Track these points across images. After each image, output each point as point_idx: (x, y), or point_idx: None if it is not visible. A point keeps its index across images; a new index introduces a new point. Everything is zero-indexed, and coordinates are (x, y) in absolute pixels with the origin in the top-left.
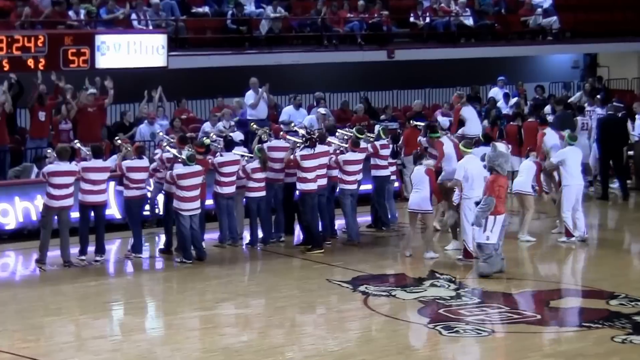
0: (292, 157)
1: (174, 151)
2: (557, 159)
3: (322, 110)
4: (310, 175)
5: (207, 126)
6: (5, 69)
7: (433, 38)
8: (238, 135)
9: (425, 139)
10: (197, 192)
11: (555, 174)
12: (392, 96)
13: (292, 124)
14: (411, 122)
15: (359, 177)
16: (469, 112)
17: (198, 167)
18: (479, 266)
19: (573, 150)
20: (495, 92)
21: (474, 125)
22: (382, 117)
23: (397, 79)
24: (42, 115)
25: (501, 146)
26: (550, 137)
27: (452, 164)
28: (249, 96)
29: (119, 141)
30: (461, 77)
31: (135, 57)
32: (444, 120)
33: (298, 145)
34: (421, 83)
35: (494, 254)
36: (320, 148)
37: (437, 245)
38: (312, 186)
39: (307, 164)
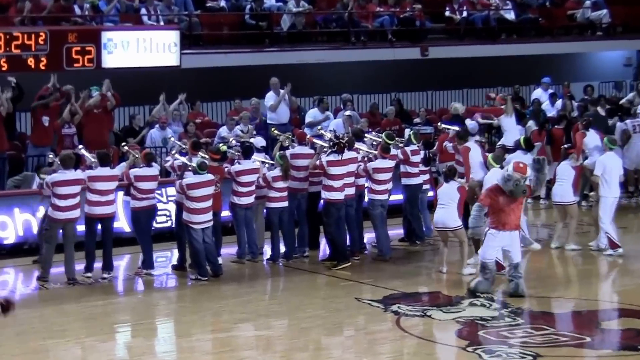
0: (318, 162)
1: (183, 159)
2: (598, 170)
3: (348, 113)
4: (336, 184)
5: (223, 131)
6: (4, 69)
7: (470, 34)
8: (259, 141)
9: (451, 144)
10: (209, 203)
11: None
12: (426, 98)
13: (320, 128)
14: (440, 125)
15: (390, 186)
16: (508, 123)
17: (209, 176)
18: (479, 282)
19: (612, 158)
20: (539, 94)
21: (513, 136)
22: (416, 120)
23: (431, 79)
24: (45, 120)
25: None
26: (592, 138)
27: (479, 173)
28: (269, 98)
29: (126, 147)
30: (501, 77)
31: (145, 55)
32: (472, 125)
33: (324, 150)
34: (457, 83)
35: (490, 275)
36: (347, 154)
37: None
38: (338, 196)
39: (334, 171)
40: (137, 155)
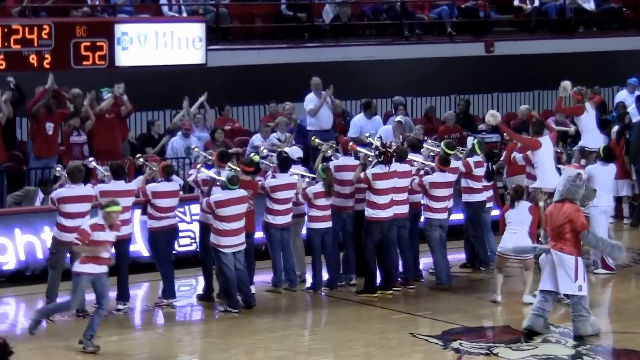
0: (362, 175)
1: (209, 172)
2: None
3: (399, 118)
4: (381, 200)
5: (257, 139)
6: (2, 67)
7: (543, 26)
8: (295, 152)
9: (521, 155)
10: (240, 224)
11: None
12: (491, 101)
13: (368, 134)
14: (505, 134)
15: (449, 203)
16: (588, 120)
17: (242, 192)
18: (580, 329)
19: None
20: (624, 96)
21: (593, 136)
22: (481, 127)
23: (497, 78)
24: (49, 128)
25: (571, 170)
26: None
27: (548, 172)
28: (309, 101)
29: (141, 159)
30: (579, 77)
31: (166, 52)
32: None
33: (370, 159)
34: (528, 84)
35: (586, 314)
36: (399, 167)
37: None
38: (382, 214)
39: (379, 185)
40: (154, 168)
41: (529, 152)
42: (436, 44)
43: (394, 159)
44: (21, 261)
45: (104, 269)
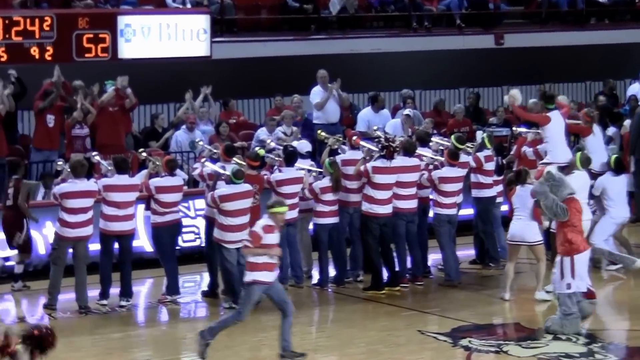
0: (362, 168)
1: (214, 166)
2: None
3: (407, 112)
4: (380, 195)
5: (262, 133)
6: (3, 59)
7: (554, 18)
8: (304, 146)
9: (531, 149)
10: (245, 219)
11: None
12: (500, 94)
13: (376, 128)
14: (514, 128)
15: (459, 198)
16: (594, 143)
17: (247, 187)
18: (554, 322)
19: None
20: (636, 90)
21: (600, 158)
22: (492, 120)
23: (507, 71)
24: (50, 120)
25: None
26: None
27: (559, 147)
28: (316, 94)
29: (144, 154)
30: (591, 70)
31: (170, 44)
32: None
33: (373, 154)
34: (539, 77)
35: (575, 311)
36: (407, 161)
37: None
38: (380, 209)
39: (379, 179)
40: (157, 163)
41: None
42: (445, 36)
43: (396, 154)
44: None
45: (275, 274)
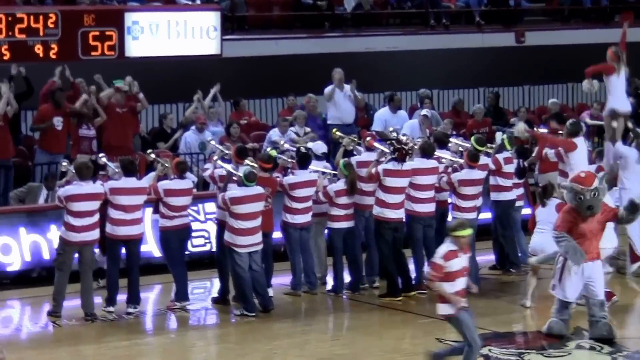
0: (373, 170)
1: (228, 167)
2: None
3: (425, 112)
4: (391, 199)
5: (274, 134)
6: (5, 58)
7: (577, 15)
8: (319, 147)
9: (552, 151)
10: (257, 222)
11: None
12: (521, 94)
13: (391, 129)
14: (535, 129)
15: (479, 202)
16: (616, 84)
17: (259, 189)
18: (554, 323)
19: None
20: None
21: (621, 99)
22: (513, 120)
23: (528, 70)
24: (57, 122)
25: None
26: None
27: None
28: (330, 94)
29: (153, 155)
30: None
31: (179, 42)
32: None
33: (385, 155)
34: (561, 76)
35: (557, 313)
36: (425, 163)
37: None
38: (391, 214)
39: (390, 182)
40: (167, 165)
41: (561, 150)
42: (464, 34)
43: (408, 156)
44: (26, 262)
45: (466, 300)
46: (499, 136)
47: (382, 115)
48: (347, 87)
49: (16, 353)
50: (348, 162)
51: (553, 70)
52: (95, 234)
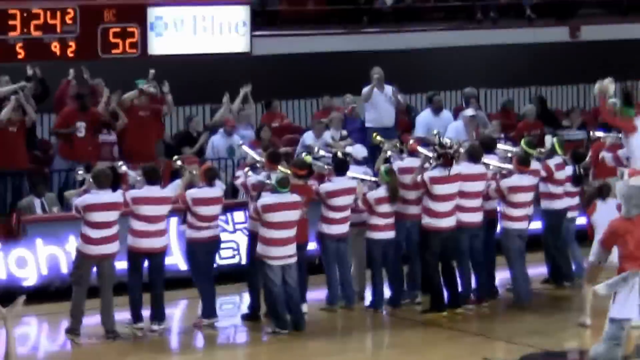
0: (419, 178)
1: (259, 176)
2: None
3: (469, 112)
4: (440, 207)
5: (308, 137)
6: (20, 56)
7: (636, 9)
8: (360, 151)
9: (610, 154)
10: (291, 233)
11: None
12: (576, 94)
13: (435, 132)
14: (592, 133)
15: (530, 210)
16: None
17: (295, 197)
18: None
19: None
20: None
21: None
22: (565, 123)
23: (584, 68)
24: (81, 128)
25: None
26: None
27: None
28: (367, 95)
29: (179, 162)
30: None
31: (205, 39)
32: None
33: (430, 161)
34: (619, 74)
35: (609, 337)
36: (472, 168)
37: None
38: (441, 223)
39: (437, 189)
40: (194, 172)
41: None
42: (513, 29)
43: (455, 161)
44: (43, 276)
45: None
46: (548, 140)
47: (424, 119)
48: (387, 88)
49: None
50: (390, 168)
51: (610, 67)
52: (114, 247)
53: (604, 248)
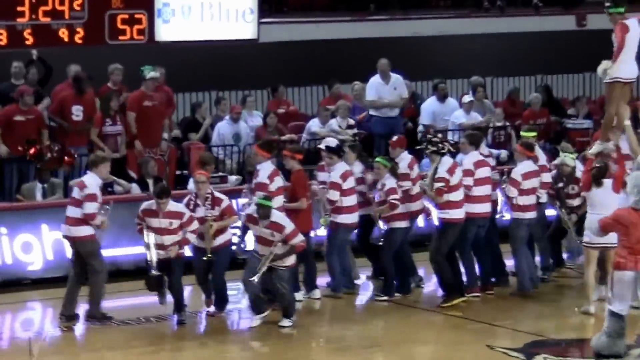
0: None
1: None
2: None
3: (468, 98)
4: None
5: (314, 124)
6: (28, 42)
7: None
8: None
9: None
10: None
11: None
12: (582, 82)
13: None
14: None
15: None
16: None
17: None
18: (594, 338)
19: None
20: None
21: None
22: (570, 112)
23: (590, 57)
24: (77, 111)
25: None
26: None
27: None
28: (372, 87)
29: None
30: None
31: (212, 25)
32: None
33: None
34: None
35: (611, 331)
36: (477, 156)
37: None
38: (459, 214)
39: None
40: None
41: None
42: (520, 17)
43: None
44: (48, 261)
45: None
46: (562, 156)
47: (430, 106)
48: (393, 77)
49: (38, 358)
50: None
51: None
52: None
53: (602, 231)
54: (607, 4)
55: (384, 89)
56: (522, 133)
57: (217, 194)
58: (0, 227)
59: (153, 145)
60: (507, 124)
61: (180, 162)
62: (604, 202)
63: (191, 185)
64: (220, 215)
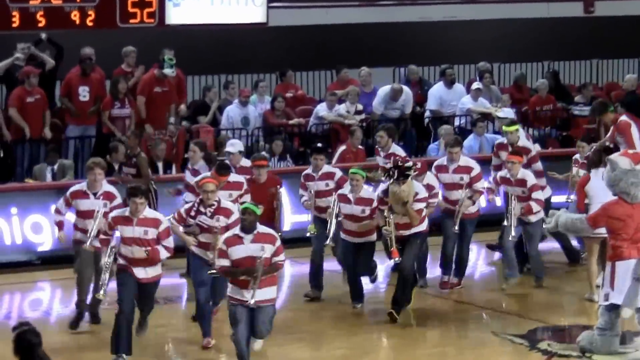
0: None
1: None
2: None
3: (476, 85)
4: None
5: (321, 109)
6: (41, 25)
7: None
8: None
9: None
10: None
11: None
12: (589, 69)
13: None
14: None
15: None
16: None
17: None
18: (583, 337)
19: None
20: None
21: None
22: (577, 99)
23: (598, 43)
24: (83, 92)
25: (624, 161)
26: None
27: None
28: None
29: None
30: None
31: (222, 9)
32: None
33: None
34: (634, 50)
35: (609, 328)
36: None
37: None
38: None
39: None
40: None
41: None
42: (528, 3)
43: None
44: (58, 242)
45: None
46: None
47: (437, 92)
48: (404, 94)
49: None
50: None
51: (624, 43)
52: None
53: (594, 228)
54: None
55: (391, 104)
56: (504, 128)
57: (225, 204)
58: (11, 208)
59: (161, 127)
60: (514, 108)
61: (188, 145)
62: (603, 189)
63: (188, 176)
64: (227, 228)
